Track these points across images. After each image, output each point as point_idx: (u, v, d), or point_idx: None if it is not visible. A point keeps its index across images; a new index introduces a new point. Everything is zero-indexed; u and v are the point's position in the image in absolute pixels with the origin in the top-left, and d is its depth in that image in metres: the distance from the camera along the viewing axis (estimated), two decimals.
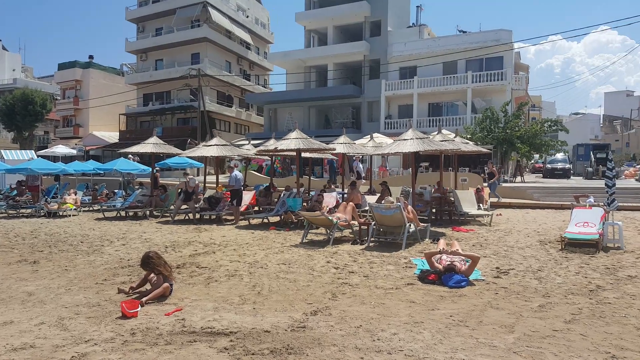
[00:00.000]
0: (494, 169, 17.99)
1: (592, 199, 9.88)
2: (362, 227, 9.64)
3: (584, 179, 28.44)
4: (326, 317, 4.78)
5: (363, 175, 19.46)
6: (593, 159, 31.34)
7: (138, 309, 4.98)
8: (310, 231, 10.17)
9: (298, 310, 4.99)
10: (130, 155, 21.31)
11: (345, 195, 13.61)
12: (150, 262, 5.63)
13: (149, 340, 4.17)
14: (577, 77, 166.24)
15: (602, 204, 9.23)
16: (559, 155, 32.87)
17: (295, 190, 12.75)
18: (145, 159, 24.72)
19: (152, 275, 5.65)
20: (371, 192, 15.57)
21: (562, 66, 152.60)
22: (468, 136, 23.20)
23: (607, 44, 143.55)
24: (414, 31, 36.79)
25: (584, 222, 8.80)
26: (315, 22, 38.53)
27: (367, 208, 11.46)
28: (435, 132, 14.16)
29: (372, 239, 9.19)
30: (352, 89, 36.29)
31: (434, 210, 13.02)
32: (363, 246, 8.90)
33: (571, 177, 30.71)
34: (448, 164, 19.77)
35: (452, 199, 12.81)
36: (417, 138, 10.50)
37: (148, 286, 5.65)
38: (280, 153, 13.94)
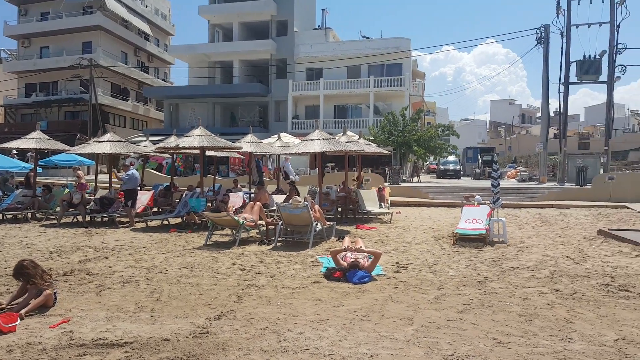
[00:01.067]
0: None
1: (479, 198, 10.76)
2: (269, 227, 9.56)
3: (473, 179, 31.03)
4: (231, 320, 4.63)
5: (292, 177, 18.98)
6: (480, 161, 34.33)
7: (16, 323, 4.43)
8: (215, 232, 9.86)
9: (201, 316, 4.78)
10: (14, 151, 19.13)
11: (253, 195, 13.42)
12: (24, 272, 5.00)
13: (30, 357, 3.72)
14: (467, 85, 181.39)
15: (488, 202, 10.09)
16: (451, 158, 35.50)
17: (198, 190, 12.29)
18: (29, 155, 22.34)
19: (30, 285, 5.05)
20: (279, 191, 15.54)
21: (454, 75, 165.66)
22: (371, 138, 24.15)
23: (493, 55, 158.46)
24: (319, 33, 37.48)
25: (473, 218, 9.55)
26: (220, 17, 37.63)
27: (274, 208, 11.40)
28: (341, 134, 14.51)
29: (280, 238, 9.15)
30: (259, 87, 36.02)
31: (339, 209, 13.33)
32: (270, 246, 8.82)
33: (461, 177, 33.35)
34: (353, 164, 20.39)
35: (357, 198, 13.21)
36: (323, 139, 10.66)
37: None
38: (183, 151, 13.35)
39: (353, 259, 6.45)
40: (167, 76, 50.95)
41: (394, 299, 5.36)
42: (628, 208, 15.43)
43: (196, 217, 11.20)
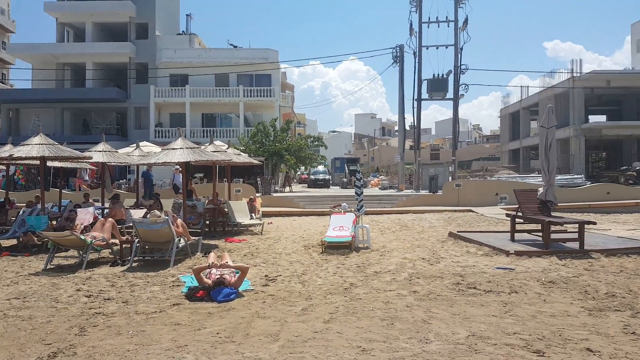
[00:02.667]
0: None
1: (345, 205, 11.10)
2: (124, 245, 8.65)
3: (341, 188, 32.37)
4: (69, 358, 3.95)
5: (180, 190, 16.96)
6: (347, 171, 36.00)
7: None
8: (58, 255, 8.62)
9: (30, 356, 4.00)
10: None
11: (107, 211, 12.13)
12: None
13: None
14: (333, 99, 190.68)
15: (353, 209, 10.43)
16: (320, 168, 36.70)
17: (39, 206, 10.71)
18: None
19: None
20: (139, 205, 14.32)
21: (321, 89, 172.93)
22: (242, 148, 23.78)
23: (356, 72, 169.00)
24: (184, 39, 36.08)
25: (340, 226, 9.78)
26: (71, 15, 34.12)
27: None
28: (208, 143, 13.93)
29: (136, 258, 8.31)
30: (116, 92, 33.32)
31: (207, 222, 12.71)
32: (124, 267, 7.96)
33: (331, 186, 34.60)
34: (223, 175, 19.78)
35: (226, 209, 12.74)
36: (187, 148, 10.05)
37: None
38: (20, 162, 11.57)
39: (218, 276, 6.05)
40: (6, 78, 44.60)
41: (260, 315, 5.11)
42: (473, 211, 17.32)
43: (35, 238, 9.70)
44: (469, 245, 9.54)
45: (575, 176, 25.45)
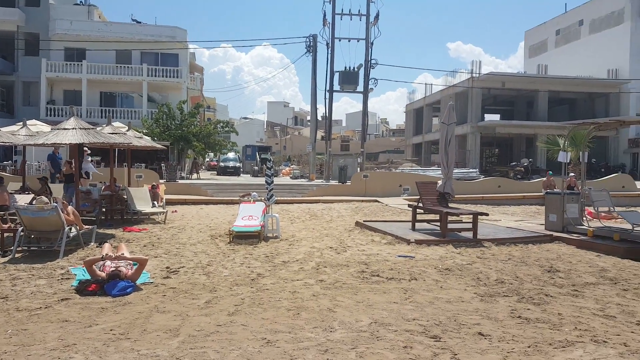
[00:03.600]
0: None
1: (255, 195, 10.91)
2: (5, 234, 7.73)
3: (252, 177, 31.92)
4: None
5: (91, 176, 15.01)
6: (259, 159, 35.59)
7: None
8: None
9: None
10: None
11: None
12: None
13: None
14: (245, 85, 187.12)
15: (264, 198, 10.29)
16: (231, 155, 35.89)
17: None
18: None
19: None
20: (25, 190, 12.92)
21: (232, 73, 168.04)
22: (144, 131, 22.43)
23: (269, 59, 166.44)
24: (82, 10, 33.13)
25: (249, 215, 9.59)
26: None
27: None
28: (105, 124, 12.90)
29: (20, 248, 7.48)
30: (1, 63, 29.73)
31: (104, 210, 11.82)
32: (6, 259, 7.12)
33: (241, 174, 34.00)
34: (123, 159, 18.52)
35: (125, 196, 11.93)
36: (80, 128, 9.18)
37: None
38: None
39: (113, 268, 5.62)
40: None
41: (160, 309, 4.82)
42: (379, 202, 17.99)
43: None
44: (374, 234, 9.86)
45: (471, 170, 27.53)
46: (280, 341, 3.97)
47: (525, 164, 30.09)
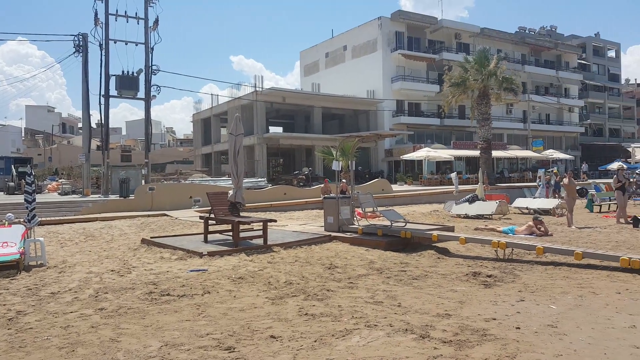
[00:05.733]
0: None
1: (11, 216, 9.12)
2: None
3: (7, 194, 26.68)
4: None
5: None
6: (15, 173, 29.99)
7: None
8: None
9: None
10: None
11: None
12: None
13: None
14: None
15: (23, 220, 8.68)
16: None
17: None
18: None
19: None
20: None
21: None
22: None
23: (26, 56, 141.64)
24: None
25: (3, 242, 7.95)
26: None
27: None
28: None
29: None
30: None
31: None
32: None
33: None
34: None
35: None
36: None
37: None
38: None
39: None
40: None
41: None
42: (168, 215, 17.11)
43: None
44: (163, 250, 9.31)
45: (259, 179, 28.62)
46: None
47: (306, 172, 32.81)
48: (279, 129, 44.81)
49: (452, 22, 47.31)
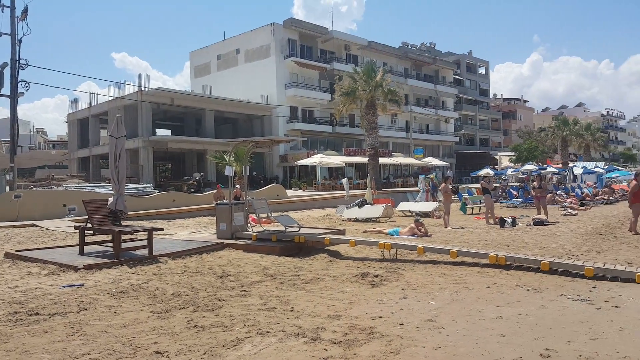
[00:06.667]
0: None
1: None
2: None
3: None
4: None
5: None
6: None
7: None
8: None
9: None
10: None
11: None
12: None
13: None
14: None
15: None
16: None
17: None
18: None
19: None
20: None
21: None
22: None
23: None
24: None
25: None
26: None
27: None
28: None
29: None
30: None
31: None
32: None
33: None
34: None
35: None
36: None
37: None
38: None
39: None
40: None
41: None
42: (37, 226, 15.36)
43: None
44: (31, 265, 8.32)
45: (145, 185, 26.98)
46: None
47: (198, 177, 31.68)
48: (167, 132, 42.72)
49: (342, 33, 49.29)
